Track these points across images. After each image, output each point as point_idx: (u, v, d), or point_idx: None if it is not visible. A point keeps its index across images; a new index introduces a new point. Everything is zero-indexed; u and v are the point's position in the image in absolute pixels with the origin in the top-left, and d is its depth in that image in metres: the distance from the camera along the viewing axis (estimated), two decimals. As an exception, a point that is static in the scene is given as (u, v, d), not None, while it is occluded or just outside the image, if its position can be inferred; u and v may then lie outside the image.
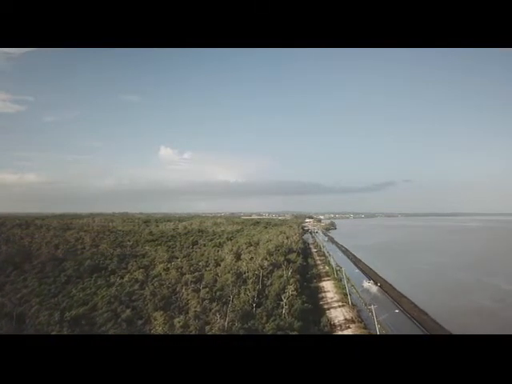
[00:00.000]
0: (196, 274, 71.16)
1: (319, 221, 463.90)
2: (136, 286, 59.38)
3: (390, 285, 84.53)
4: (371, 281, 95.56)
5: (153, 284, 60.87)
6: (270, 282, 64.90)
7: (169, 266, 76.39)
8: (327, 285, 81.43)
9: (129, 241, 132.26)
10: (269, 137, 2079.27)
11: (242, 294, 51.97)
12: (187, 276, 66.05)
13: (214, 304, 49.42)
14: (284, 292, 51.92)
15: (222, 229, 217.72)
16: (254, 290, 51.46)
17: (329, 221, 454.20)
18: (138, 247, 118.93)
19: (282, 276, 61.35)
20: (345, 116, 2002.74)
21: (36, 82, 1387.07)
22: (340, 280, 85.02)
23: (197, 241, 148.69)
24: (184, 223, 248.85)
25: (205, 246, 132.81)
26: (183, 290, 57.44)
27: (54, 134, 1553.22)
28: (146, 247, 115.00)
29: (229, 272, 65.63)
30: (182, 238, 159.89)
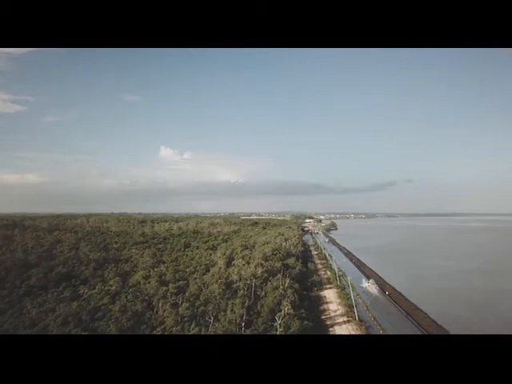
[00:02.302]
0: (180, 282, 62.21)
1: (319, 221, 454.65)
2: (105, 300, 50.34)
3: (400, 293, 75.52)
4: (370, 280, 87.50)
5: (126, 296, 51.92)
6: (263, 292, 55.95)
7: (150, 273, 67.34)
8: (329, 294, 72.44)
9: (116, 243, 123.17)
10: (269, 137, 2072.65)
11: (229, 312, 42.97)
12: (169, 286, 57.07)
13: (193, 324, 40.53)
14: (279, 309, 42.95)
15: (219, 230, 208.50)
16: (243, 308, 42.39)
17: (329, 221, 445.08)
18: (124, 250, 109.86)
19: (277, 287, 52.26)
20: (346, 116, 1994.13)
21: (36, 81, 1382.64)
22: (343, 288, 76.13)
23: (189, 243, 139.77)
24: (180, 224, 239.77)
25: (197, 248, 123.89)
26: (160, 305, 48.50)
27: (53, 134, 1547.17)
28: (133, 250, 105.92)
29: (216, 281, 56.63)
30: (175, 239, 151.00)
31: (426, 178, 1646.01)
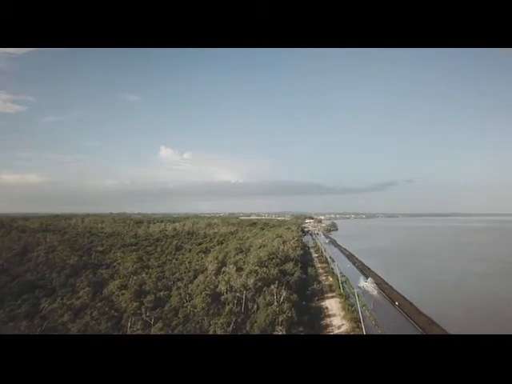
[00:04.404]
0: (162, 293, 54.12)
1: (320, 221, 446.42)
2: (66, 317, 42.15)
3: (411, 303, 67.35)
4: (369, 279, 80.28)
5: (92, 313, 43.68)
6: (256, 305, 47.81)
7: (129, 281, 59.07)
8: (332, 304, 64.27)
9: (102, 245, 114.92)
10: (269, 137, 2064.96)
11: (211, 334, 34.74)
12: (146, 299, 48.89)
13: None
14: (272, 333, 34.79)
15: (215, 231, 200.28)
16: (227, 331, 34.14)
17: (329, 221, 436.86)
18: (109, 253, 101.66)
19: (271, 303, 44.02)
20: (346, 116, 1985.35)
21: (36, 81, 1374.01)
22: (347, 297, 67.98)
23: (182, 245, 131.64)
24: (175, 224, 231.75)
25: (190, 251, 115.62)
26: (129, 324, 40.31)
27: (53, 134, 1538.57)
28: (118, 254, 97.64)
29: (201, 293, 48.40)
30: (167, 241, 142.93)
31: (426, 178, 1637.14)
